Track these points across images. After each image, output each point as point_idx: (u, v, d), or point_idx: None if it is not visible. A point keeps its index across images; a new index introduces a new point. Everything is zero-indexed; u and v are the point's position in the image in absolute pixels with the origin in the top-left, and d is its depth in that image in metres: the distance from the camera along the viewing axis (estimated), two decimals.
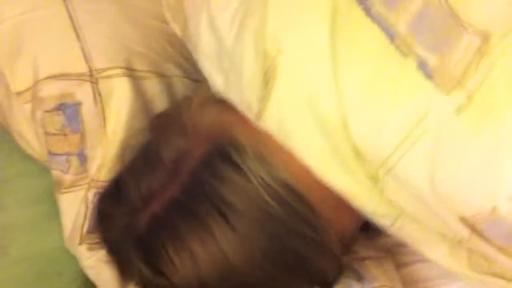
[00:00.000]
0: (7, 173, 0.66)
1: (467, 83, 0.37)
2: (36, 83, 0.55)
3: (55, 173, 0.58)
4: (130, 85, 0.55)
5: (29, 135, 0.59)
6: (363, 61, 0.40)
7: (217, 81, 0.47)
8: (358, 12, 0.40)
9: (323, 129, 0.41)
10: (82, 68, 0.55)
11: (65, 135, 0.55)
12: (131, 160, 0.52)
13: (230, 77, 0.45)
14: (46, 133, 0.56)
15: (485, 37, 0.37)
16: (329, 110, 0.41)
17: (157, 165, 0.48)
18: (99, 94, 0.55)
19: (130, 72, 0.56)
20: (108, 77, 0.55)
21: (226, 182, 0.45)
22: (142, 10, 0.60)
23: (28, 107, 0.56)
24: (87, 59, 0.55)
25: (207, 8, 0.46)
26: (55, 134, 0.55)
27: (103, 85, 0.55)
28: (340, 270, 0.52)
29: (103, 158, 0.56)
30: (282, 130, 0.43)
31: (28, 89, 0.56)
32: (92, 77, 0.55)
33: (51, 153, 0.57)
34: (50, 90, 0.54)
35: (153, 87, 0.58)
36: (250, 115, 0.45)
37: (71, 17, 0.55)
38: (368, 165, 0.41)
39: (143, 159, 0.50)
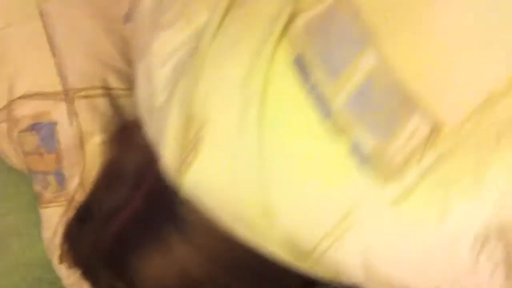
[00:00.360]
0: None
1: (407, 174, 0.33)
2: (10, 102, 0.54)
3: (36, 187, 0.58)
4: (107, 105, 0.54)
5: (10, 152, 0.58)
6: (292, 140, 0.36)
7: (149, 131, 0.45)
8: (294, 80, 0.35)
9: (245, 214, 0.38)
10: (57, 87, 0.54)
11: (40, 154, 0.55)
12: (95, 177, 0.51)
13: (157, 135, 0.43)
14: (24, 152, 0.55)
15: (436, 126, 0.32)
16: (252, 196, 0.37)
17: (119, 180, 0.47)
18: (75, 114, 0.54)
19: (107, 91, 0.55)
20: (85, 97, 0.54)
21: (178, 194, 0.44)
22: (120, 20, 0.58)
23: (4, 126, 0.56)
24: (62, 78, 0.54)
25: (148, 58, 0.43)
26: (31, 154, 0.55)
27: (79, 105, 0.54)
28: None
29: (82, 178, 0.55)
30: (200, 203, 0.41)
31: (3, 108, 0.55)
32: (68, 97, 0.54)
33: (30, 171, 0.57)
34: (25, 110, 0.54)
35: (132, 104, 0.56)
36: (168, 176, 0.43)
37: (48, 34, 0.54)
38: (295, 251, 0.38)
39: (106, 175, 0.50)
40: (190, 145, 0.39)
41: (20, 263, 0.62)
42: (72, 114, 0.54)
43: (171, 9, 0.42)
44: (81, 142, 0.55)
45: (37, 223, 0.62)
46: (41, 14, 0.54)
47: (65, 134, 0.54)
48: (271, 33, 0.36)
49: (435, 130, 0.32)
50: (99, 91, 0.55)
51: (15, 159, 0.59)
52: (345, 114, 0.34)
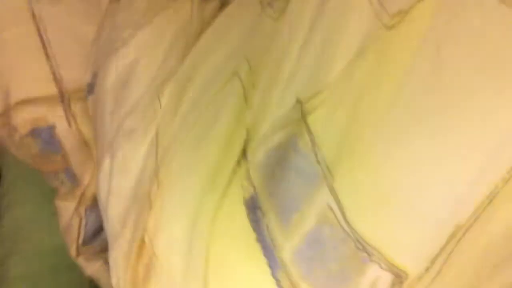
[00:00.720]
0: (17, 172, 0.68)
1: None
2: (7, 109, 0.54)
3: (51, 183, 0.59)
4: None
5: (18, 155, 0.59)
6: None
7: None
8: (243, 226, 0.31)
9: None
10: (52, 90, 0.53)
11: (47, 156, 0.55)
12: None
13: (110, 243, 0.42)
14: (30, 155, 0.56)
15: (398, 275, 0.27)
16: None
17: None
18: (73, 116, 0.53)
19: None
20: (81, 99, 0.53)
21: None
22: None
23: (4, 131, 0.56)
24: (57, 81, 0.53)
25: (104, 174, 0.41)
26: (38, 156, 0.55)
27: (76, 107, 0.53)
28: None
29: (93, 174, 0.55)
30: None
31: (0, 116, 0.55)
32: (64, 99, 0.53)
33: (40, 170, 0.57)
34: (22, 116, 0.53)
35: None
36: None
37: (41, 36, 0.53)
38: None
39: None
40: (141, 275, 0.37)
41: (39, 250, 0.64)
42: (70, 116, 0.53)
43: (131, 116, 0.40)
44: (85, 142, 0.54)
45: (54, 212, 0.63)
46: (33, 16, 0.53)
47: (66, 136, 0.54)
48: (224, 164, 0.33)
49: (397, 281, 0.27)
50: None
51: (22, 159, 0.60)
52: (292, 267, 0.29)
